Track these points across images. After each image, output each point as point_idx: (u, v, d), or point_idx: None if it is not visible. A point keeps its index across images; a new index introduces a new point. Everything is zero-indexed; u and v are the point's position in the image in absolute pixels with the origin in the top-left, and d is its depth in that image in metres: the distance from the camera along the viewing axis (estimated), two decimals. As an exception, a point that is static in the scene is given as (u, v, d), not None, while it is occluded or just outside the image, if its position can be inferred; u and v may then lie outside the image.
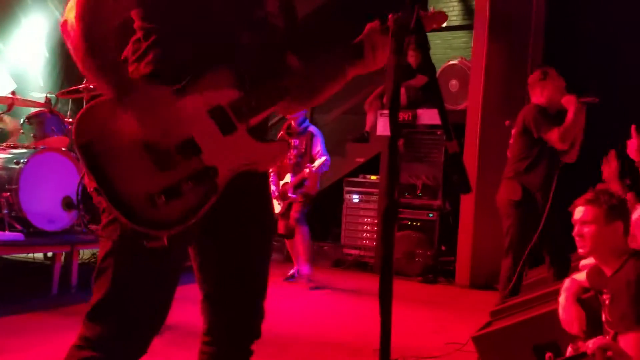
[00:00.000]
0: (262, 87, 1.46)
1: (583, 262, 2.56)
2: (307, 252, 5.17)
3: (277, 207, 5.26)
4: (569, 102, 3.65)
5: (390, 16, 1.35)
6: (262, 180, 1.60)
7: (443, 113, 1.38)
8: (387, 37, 1.53)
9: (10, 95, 4.74)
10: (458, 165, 1.26)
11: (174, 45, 1.40)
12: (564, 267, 3.61)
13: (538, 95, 3.86)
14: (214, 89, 1.39)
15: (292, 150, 5.29)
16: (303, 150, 5.29)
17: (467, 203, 5.61)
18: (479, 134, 5.63)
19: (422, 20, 1.56)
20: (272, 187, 5.32)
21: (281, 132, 5.47)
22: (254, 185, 1.53)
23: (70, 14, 1.34)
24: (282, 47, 1.58)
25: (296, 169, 5.27)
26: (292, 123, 5.32)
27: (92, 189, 1.33)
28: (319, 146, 5.27)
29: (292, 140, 5.30)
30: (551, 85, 3.80)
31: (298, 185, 5.27)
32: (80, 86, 4.68)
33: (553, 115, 3.77)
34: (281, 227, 5.29)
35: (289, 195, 5.27)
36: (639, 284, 2.00)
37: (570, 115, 3.60)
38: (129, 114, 1.32)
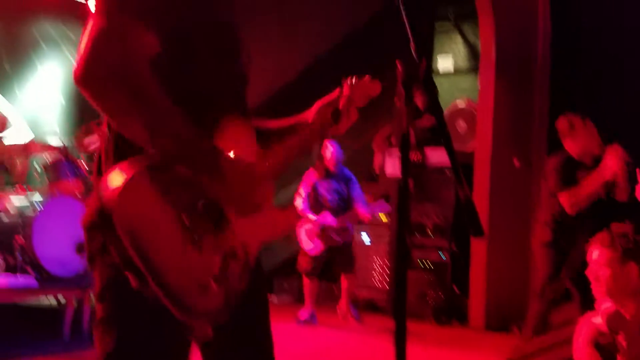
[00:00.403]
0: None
1: (602, 305, 2.53)
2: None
3: (308, 243, 5.31)
4: (611, 161, 3.46)
5: (398, 64, 1.39)
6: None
7: (453, 157, 1.40)
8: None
9: (27, 143, 4.85)
10: (470, 210, 1.27)
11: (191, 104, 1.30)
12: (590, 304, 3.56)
13: (570, 145, 3.76)
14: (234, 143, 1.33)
15: (329, 194, 5.43)
16: (345, 195, 5.42)
17: (479, 243, 5.58)
18: (489, 174, 5.65)
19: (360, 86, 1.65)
20: (308, 225, 5.37)
21: (313, 175, 5.53)
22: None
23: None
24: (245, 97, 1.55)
25: (338, 212, 5.35)
26: (330, 166, 5.44)
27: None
28: (358, 189, 5.46)
29: (329, 183, 5.44)
30: (582, 135, 3.70)
31: (342, 229, 5.36)
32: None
33: (588, 166, 3.66)
34: (315, 267, 5.36)
35: (334, 238, 5.32)
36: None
37: (593, 187, 3.48)
38: (166, 181, 1.19)
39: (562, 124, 3.81)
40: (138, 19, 1.21)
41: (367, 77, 1.69)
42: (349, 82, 1.67)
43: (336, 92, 1.67)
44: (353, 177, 5.52)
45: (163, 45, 1.26)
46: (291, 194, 6.67)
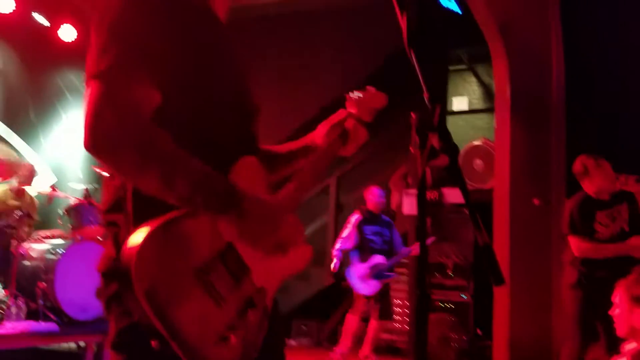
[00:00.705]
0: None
1: (626, 346, 2.48)
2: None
3: (362, 286, 5.48)
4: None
5: (412, 114, 1.42)
6: None
7: (469, 203, 1.41)
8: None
9: (50, 190, 4.96)
10: (489, 258, 1.26)
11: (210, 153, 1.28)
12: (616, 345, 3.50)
13: (587, 185, 3.83)
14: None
15: (375, 236, 5.66)
16: (388, 237, 5.71)
17: (500, 283, 5.49)
18: (508, 213, 5.62)
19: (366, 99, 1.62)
20: (358, 267, 5.52)
21: (358, 217, 5.70)
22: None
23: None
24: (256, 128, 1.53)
25: (383, 254, 5.55)
26: (374, 209, 5.72)
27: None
28: (397, 232, 5.83)
29: (373, 226, 5.68)
30: (598, 176, 3.77)
31: (391, 268, 5.62)
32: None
33: (606, 203, 3.74)
34: (366, 309, 5.52)
35: (386, 274, 5.53)
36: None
37: (612, 252, 3.56)
38: (185, 233, 1.17)
39: (577, 167, 3.89)
40: (137, 77, 1.19)
41: (371, 89, 1.65)
42: (353, 97, 1.63)
43: (341, 111, 1.64)
44: (391, 221, 5.82)
45: (168, 94, 1.24)
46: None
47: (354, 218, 5.73)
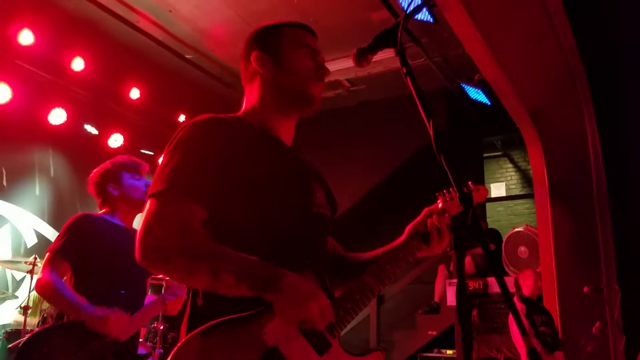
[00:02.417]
0: (347, 294, 1.43)
1: None
2: None
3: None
4: None
5: (448, 218, 1.42)
6: None
7: (513, 307, 1.38)
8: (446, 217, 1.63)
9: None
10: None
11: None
12: None
13: None
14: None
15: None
16: None
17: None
18: (558, 301, 5.39)
19: (472, 195, 1.65)
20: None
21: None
22: None
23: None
24: (327, 234, 1.62)
25: None
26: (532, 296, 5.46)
27: None
28: None
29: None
30: None
31: None
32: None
33: None
34: None
35: None
36: None
37: None
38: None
39: None
40: (185, 199, 1.35)
41: (470, 186, 1.70)
42: (445, 197, 1.66)
43: (425, 210, 1.66)
44: None
45: (217, 211, 1.38)
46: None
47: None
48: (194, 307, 1.36)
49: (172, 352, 1.22)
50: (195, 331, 1.24)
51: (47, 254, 2.73)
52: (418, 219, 1.65)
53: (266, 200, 1.41)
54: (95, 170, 3.01)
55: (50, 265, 2.66)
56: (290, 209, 1.46)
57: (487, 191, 1.81)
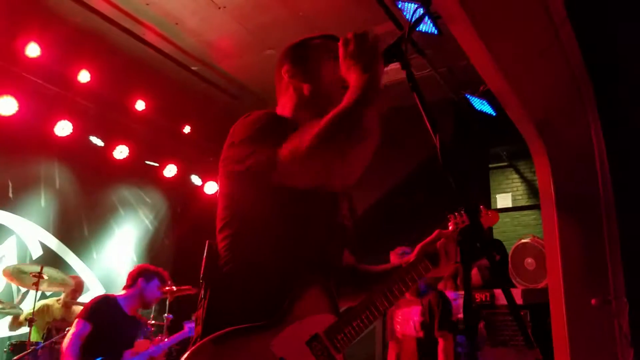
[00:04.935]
0: (354, 311, 1.44)
1: None
2: None
3: None
4: None
5: (458, 234, 1.41)
6: None
7: (519, 319, 1.37)
8: (456, 244, 1.62)
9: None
10: None
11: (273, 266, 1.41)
12: None
13: None
14: (311, 313, 1.37)
15: None
16: None
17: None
18: (565, 313, 5.34)
19: (481, 220, 1.67)
20: None
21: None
22: None
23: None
24: (346, 244, 1.65)
25: None
26: None
27: None
28: None
29: None
30: None
31: None
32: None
33: None
34: None
35: None
36: None
37: None
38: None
39: None
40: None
41: (482, 210, 1.72)
42: (457, 219, 1.68)
43: (436, 232, 1.67)
44: None
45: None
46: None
47: None
48: (210, 309, 1.38)
49: (186, 355, 1.27)
50: (208, 338, 1.28)
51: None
52: (428, 239, 1.67)
53: (295, 205, 1.44)
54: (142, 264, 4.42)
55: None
56: (316, 217, 1.49)
57: (498, 216, 1.81)
